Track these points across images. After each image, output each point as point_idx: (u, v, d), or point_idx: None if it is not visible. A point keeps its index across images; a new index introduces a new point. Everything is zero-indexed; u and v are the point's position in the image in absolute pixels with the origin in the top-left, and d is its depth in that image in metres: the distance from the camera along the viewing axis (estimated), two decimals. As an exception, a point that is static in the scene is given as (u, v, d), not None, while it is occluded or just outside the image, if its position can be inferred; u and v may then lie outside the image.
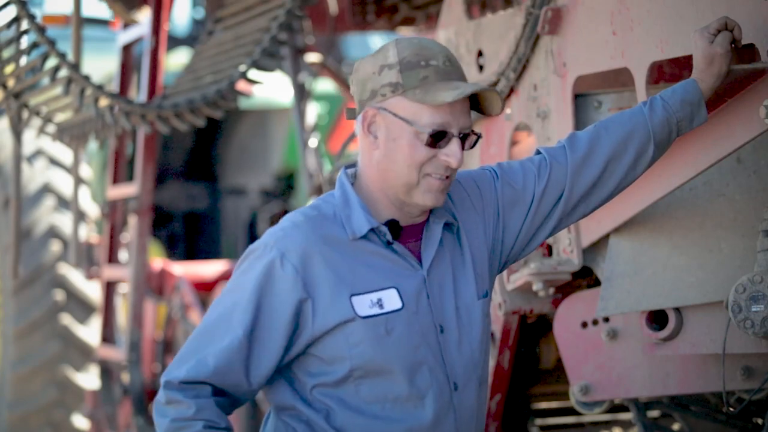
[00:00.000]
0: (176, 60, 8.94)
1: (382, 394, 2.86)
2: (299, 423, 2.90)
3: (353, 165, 2.98)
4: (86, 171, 8.09)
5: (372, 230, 2.88)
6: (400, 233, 2.91)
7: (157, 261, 7.10)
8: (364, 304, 2.84)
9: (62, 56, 5.11)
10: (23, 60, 5.27)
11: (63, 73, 5.19)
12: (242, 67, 5.09)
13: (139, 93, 6.79)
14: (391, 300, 2.86)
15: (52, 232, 7.72)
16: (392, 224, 2.89)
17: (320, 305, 2.83)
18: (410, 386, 2.86)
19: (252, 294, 2.84)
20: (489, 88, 2.87)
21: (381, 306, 2.85)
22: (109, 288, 7.06)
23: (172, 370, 2.87)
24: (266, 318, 2.84)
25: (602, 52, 3.64)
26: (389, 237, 2.89)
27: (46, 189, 7.77)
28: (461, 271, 2.97)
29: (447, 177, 2.87)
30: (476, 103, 2.91)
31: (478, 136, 2.90)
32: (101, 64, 8.64)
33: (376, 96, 2.86)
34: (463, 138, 2.86)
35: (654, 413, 4.46)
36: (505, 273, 4.01)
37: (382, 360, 2.85)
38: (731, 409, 3.77)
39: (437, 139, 2.84)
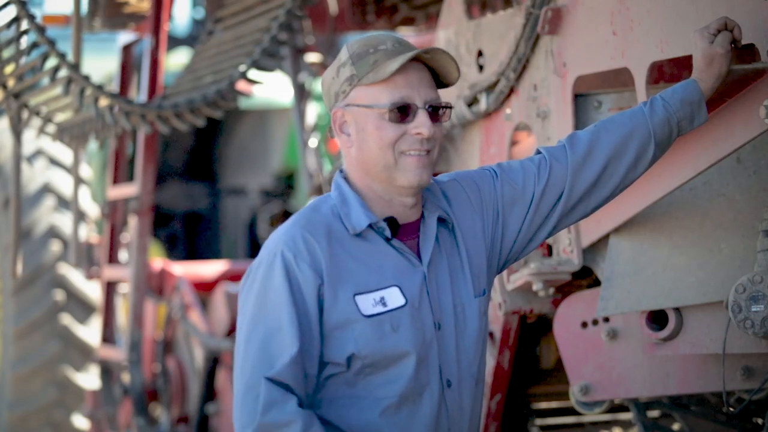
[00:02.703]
0: (176, 60, 8.94)
1: (384, 390, 2.85)
2: None
3: (342, 170, 3.00)
4: (86, 171, 8.09)
5: (370, 227, 2.89)
6: (398, 230, 2.91)
7: (157, 261, 7.10)
8: (367, 303, 2.85)
9: (62, 56, 5.11)
10: (23, 60, 5.27)
11: (63, 73, 5.19)
12: (242, 67, 5.09)
13: (139, 93, 6.79)
14: (394, 297, 2.87)
15: (52, 232, 7.72)
16: (390, 221, 2.90)
17: (328, 299, 2.84)
18: (414, 381, 2.87)
19: (288, 302, 2.81)
20: (434, 48, 2.89)
21: (384, 304, 2.86)
22: (109, 288, 7.06)
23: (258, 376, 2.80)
24: (305, 317, 2.82)
25: (602, 52, 3.64)
26: (388, 233, 2.89)
27: (46, 189, 7.77)
28: (458, 269, 2.97)
29: (426, 152, 2.88)
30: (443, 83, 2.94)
31: (450, 107, 2.93)
32: (101, 64, 8.65)
33: (339, 96, 2.92)
34: (434, 110, 2.88)
35: (654, 413, 4.46)
36: (505, 273, 4.01)
37: (389, 356, 2.85)
38: (731, 409, 3.77)
39: (402, 113, 2.86)
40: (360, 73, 2.88)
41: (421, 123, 2.87)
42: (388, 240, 2.90)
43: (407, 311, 2.87)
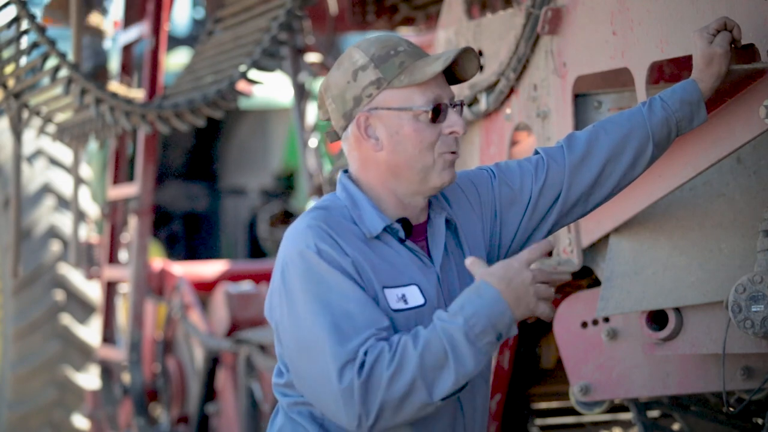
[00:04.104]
0: (176, 60, 8.94)
1: None
2: (311, 422, 2.88)
3: (346, 171, 2.97)
4: (86, 171, 8.09)
5: (384, 229, 2.87)
6: (411, 231, 2.91)
7: (157, 261, 7.10)
8: (392, 298, 2.83)
9: (62, 56, 5.12)
10: (23, 60, 5.27)
11: (63, 73, 5.19)
12: (242, 67, 5.09)
13: (139, 93, 6.79)
14: (414, 296, 2.85)
15: (52, 232, 7.72)
16: (404, 222, 2.90)
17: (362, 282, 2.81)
18: None
19: (347, 284, 2.75)
20: (465, 48, 2.88)
21: (406, 301, 2.84)
22: (110, 288, 7.07)
23: (339, 351, 2.70)
24: (363, 289, 2.78)
25: (602, 52, 3.64)
26: (402, 234, 2.88)
27: (46, 189, 7.77)
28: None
29: (454, 151, 2.89)
30: (452, 78, 2.94)
31: (464, 104, 2.94)
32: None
33: (361, 101, 2.87)
34: (453, 108, 2.89)
35: (654, 413, 4.46)
36: (505, 273, 4.00)
37: None
38: (731, 409, 3.77)
39: (436, 113, 2.86)
40: (388, 76, 2.85)
41: (453, 122, 2.87)
42: (401, 241, 2.90)
43: (426, 311, 2.85)
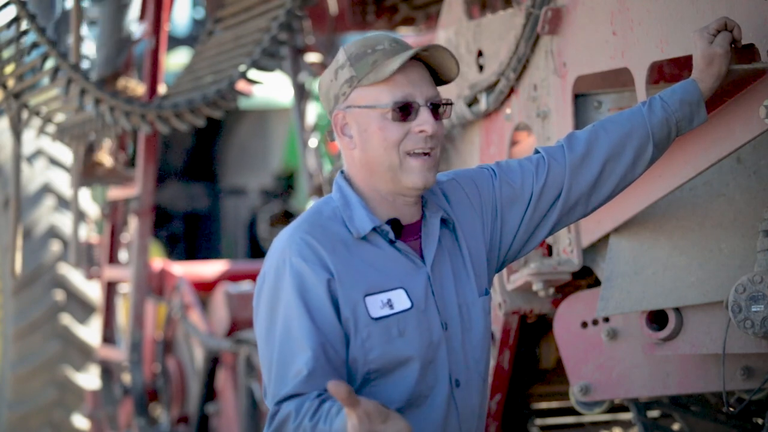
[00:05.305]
0: (176, 60, 8.95)
1: (390, 396, 2.85)
2: None
3: (343, 171, 2.98)
4: (86, 171, 8.09)
5: (374, 230, 2.88)
6: (401, 232, 2.91)
7: (157, 261, 7.10)
8: (375, 305, 2.84)
9: (62, 56, 5.12)
10: (23, 60, 5.28)
11: (63, 73, 5.19)
12: (242, 67, 5.10)
13: (139, 93, 6.78)
14: (400, 300, 2.86)
15: (52, 232, 7.72)
16: (394, 223, 2.90)
17: (340, 298, 2.82)
18: (419, 385, 2.86)
19: (299, 314, 2.80)
20: (434, 45, 2.88)
21: (391, 306, 2.85)
22: (110, 288, 7.06)
23: (273, 396, 2.80)
24: (322, 321, 2.80)
25: (602, 52, 3.64)
26: (392, 235, 2.89)
27: (46, 189, 7.77)
28: (461, 269, 2.97)
29: (429, 152, 2.87)
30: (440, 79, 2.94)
31: (450, 103, 2.92)
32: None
33: (339, 99, 2.90)
34: (435, 108, 2.87)
35: (654, 413, 4.46)
36: (505, 273, 4.01)
37: (395, 361, 2.84)
38: (731, 409, 3.77)
39: (404, 112, 2.85)
40: (359, 74, 2.87)
41: (423, 120, 2.85)
42: (391, 242, 2.90)
43: (413, 314, 2.86)
